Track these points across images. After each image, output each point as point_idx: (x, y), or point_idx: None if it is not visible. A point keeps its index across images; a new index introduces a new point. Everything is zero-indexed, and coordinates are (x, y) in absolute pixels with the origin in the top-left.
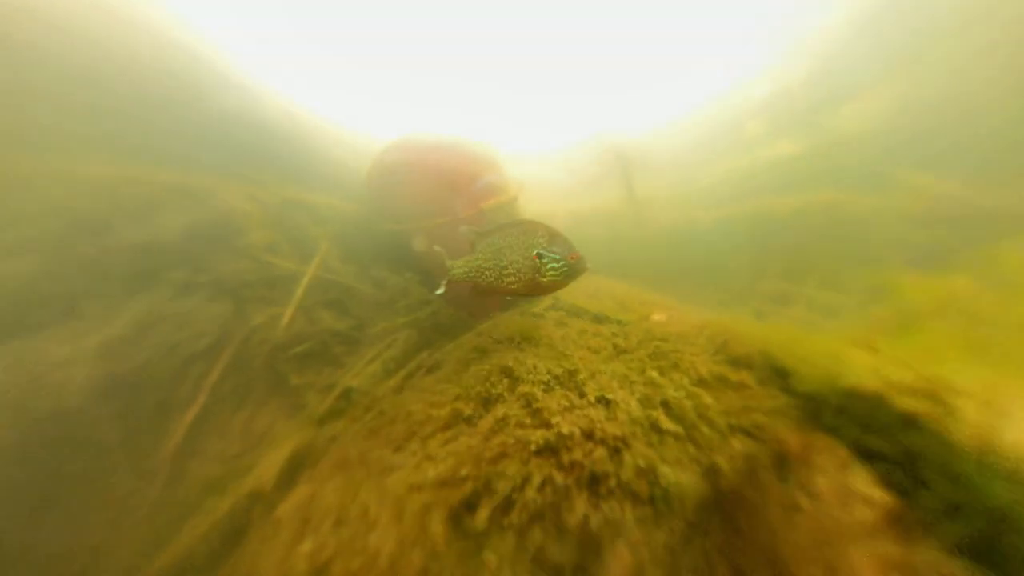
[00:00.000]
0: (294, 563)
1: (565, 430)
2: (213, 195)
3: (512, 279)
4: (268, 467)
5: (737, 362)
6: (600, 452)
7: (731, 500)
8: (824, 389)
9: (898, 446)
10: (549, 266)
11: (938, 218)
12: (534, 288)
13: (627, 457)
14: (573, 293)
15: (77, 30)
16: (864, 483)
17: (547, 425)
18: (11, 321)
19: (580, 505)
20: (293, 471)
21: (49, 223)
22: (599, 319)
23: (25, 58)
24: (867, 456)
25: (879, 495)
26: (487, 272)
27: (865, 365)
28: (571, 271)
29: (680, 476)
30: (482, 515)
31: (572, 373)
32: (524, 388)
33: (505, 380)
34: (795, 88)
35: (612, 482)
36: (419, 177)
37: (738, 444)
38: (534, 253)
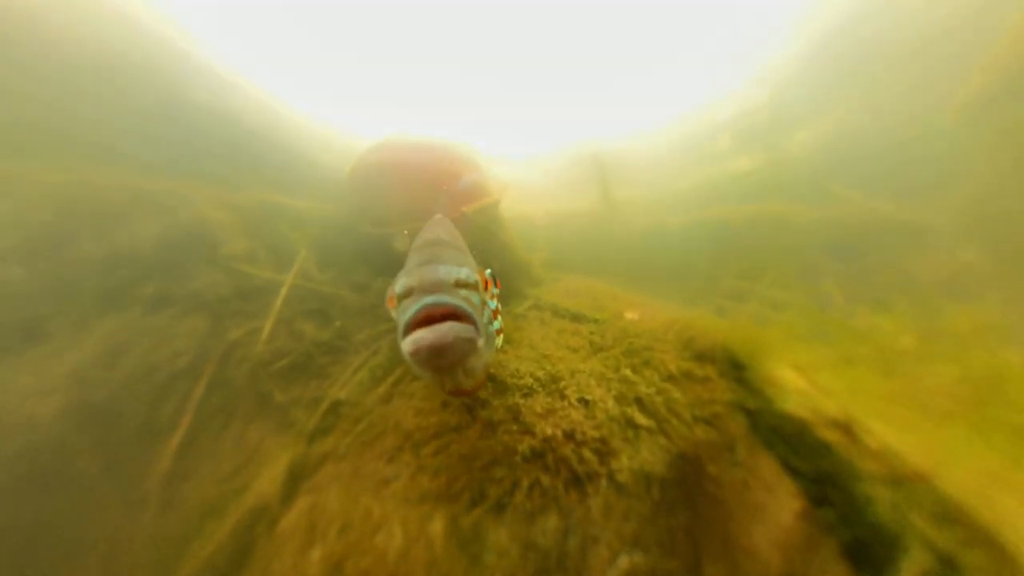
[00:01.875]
0: (306, 569)
1: (549, 432)
2: (185, 201)
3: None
4: (265, 484)
5: (702, 357)
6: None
7: (692, 479)
8: (765, 394)
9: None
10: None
11: (865, 227)
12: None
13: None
14: (553, 293)
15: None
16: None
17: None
18: None
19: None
20: (289, 488)
21: (0, 237)
22: (577, 318)
23: None
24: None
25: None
26: None
27: (796, 389)
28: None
29: (653, 465)
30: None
31: (555, 377)
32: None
33: (489, 385)
34: (753, 112)
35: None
36: (402, 178)
37: (700, 432)
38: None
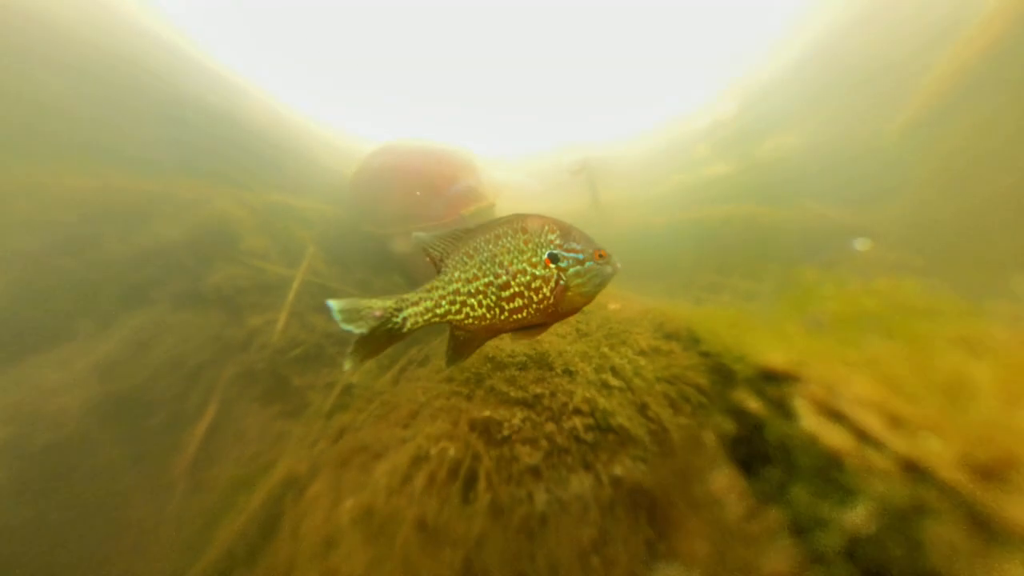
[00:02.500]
0: (338, 519)
1: (539, 390)
2: (202, 202)
3: (520, 303)
4: (288, 460)
5: (669, 336)
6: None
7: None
8: (722, 352)
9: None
10: (572, 271)
11: (821, 230)
12: (554, 312)
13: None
14: None
15: (47, 20)
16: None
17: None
18: None
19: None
20: (313, 458)
21: (25, 240)
22: None
23: None
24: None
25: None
26: (475, 300)
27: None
28: (601, 276)
29: (620, 416)
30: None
31: (543, 355)
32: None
33: (488, 365)
34: (728, 121)
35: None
36: (402, 181)
37: (660, 388)
38: (546, 257)
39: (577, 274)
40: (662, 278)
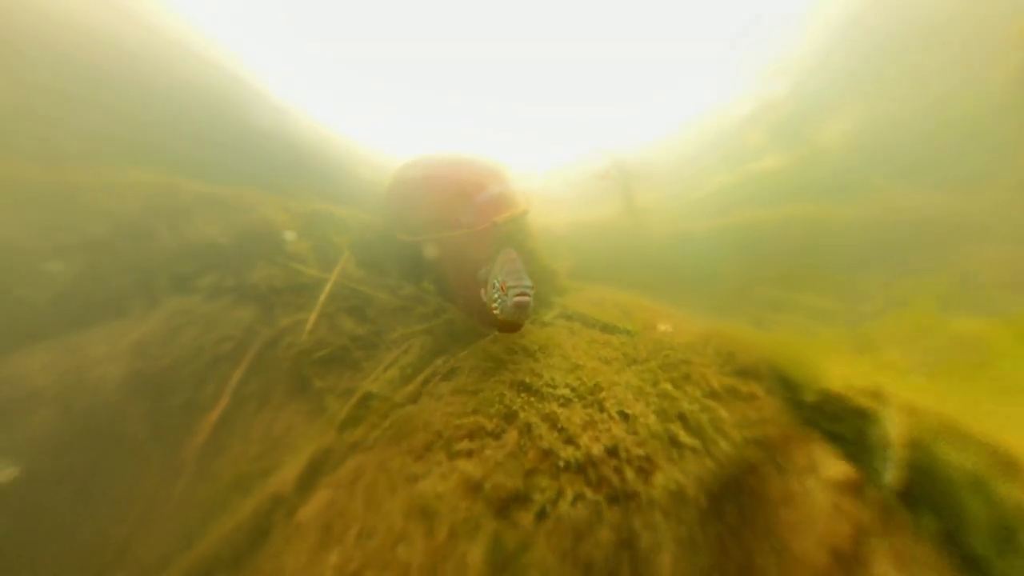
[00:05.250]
0: (319, 570)
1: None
2: (248, 206)
3: (493, 307)
4: (289, 470)
5: (745, 373)
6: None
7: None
8: (820, 399)
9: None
10: (493, 297)
11: (910, 225)
12: (496, 322)
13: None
14: (579, 302)
15: (127, 48)
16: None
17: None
18: (56, 319)
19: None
20: (313, 475)
21: (94, 228)
22: (607, 328)
23: (81, 75)
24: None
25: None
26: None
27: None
28: (503, 306)
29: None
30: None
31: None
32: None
33: (523, 395)
34: (773, 106)
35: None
36: (434, 191)
37: (752, 454)
38: (499, 282)
39: (495, 301)
40: (709, 293)
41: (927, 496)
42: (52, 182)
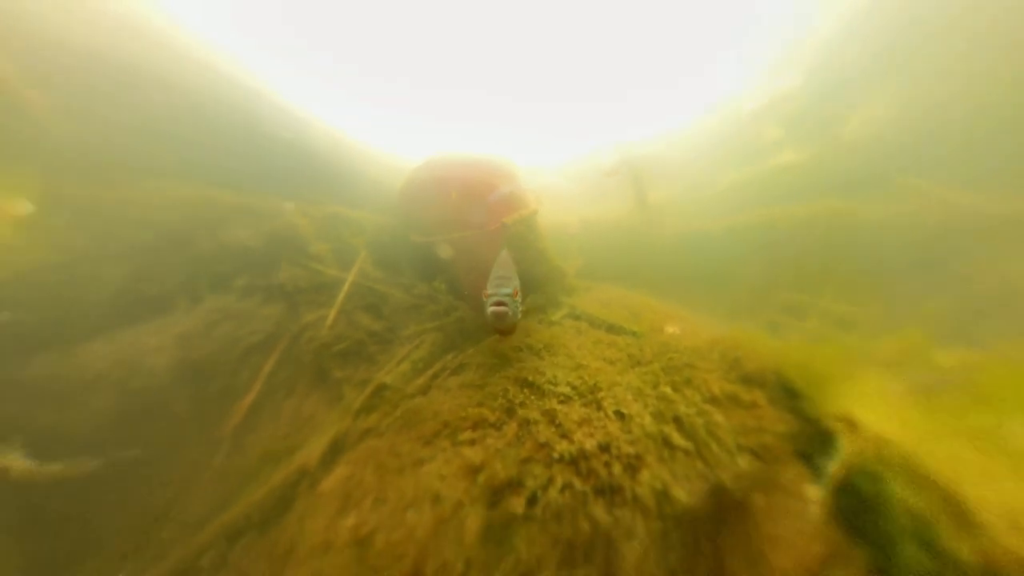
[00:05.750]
0: (336, 534)
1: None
2: (274, 212)
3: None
4: (313, 448)
5: (749, 380)
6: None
7: (728, 506)
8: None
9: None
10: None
11: (941, 227)
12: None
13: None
14: (587, 302)
15: (167, 78)
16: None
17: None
18: (113, 316)
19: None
20: (334, 453)
21: (143, 235)
22: (613, 329)
23: (129, 105)
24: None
25: None
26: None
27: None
28: (487, 314)
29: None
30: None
31: (593, 388)
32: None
33: (525, 391)
34: (791, 96)
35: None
36: (444, 192)
37: (745, 462)
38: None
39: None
40: (723, 295)
41: (867, 530)
42: (107, 199)
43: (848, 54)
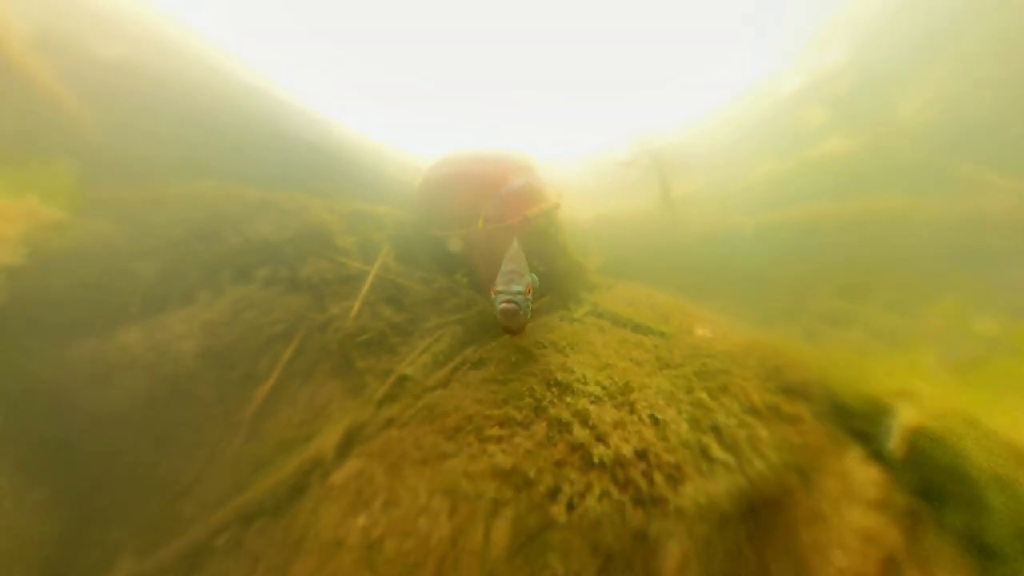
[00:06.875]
0: (346, 534)
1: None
2: (301, 208)
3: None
4: (327, 438)
5: (791, 391)
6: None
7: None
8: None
9: None
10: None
11: (1007, 226)
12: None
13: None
14: (610, 299)
15: (192, 83)
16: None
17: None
18: (146, 304)
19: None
20: (348, 444)
21: (173, 231)
22: (639, 328)
23: (164, 115)
24: None
25: None
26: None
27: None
28: (497, 312)
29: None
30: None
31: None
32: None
33: (554, 389)
34: (832, 78)
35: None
36: (464, 188)
37: (790, 481)
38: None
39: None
40: (756, 299)
41: (951, 494)
42: (141, 198)
43: (899, 28)
